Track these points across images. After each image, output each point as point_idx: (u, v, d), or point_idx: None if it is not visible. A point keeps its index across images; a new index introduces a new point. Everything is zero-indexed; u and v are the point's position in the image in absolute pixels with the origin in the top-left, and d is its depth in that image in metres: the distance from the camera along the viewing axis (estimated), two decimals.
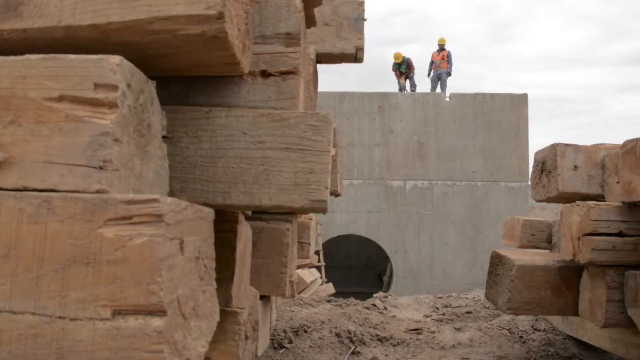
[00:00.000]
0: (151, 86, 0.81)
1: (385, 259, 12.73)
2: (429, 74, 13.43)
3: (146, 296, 0.66)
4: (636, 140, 1.90)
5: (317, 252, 12.54)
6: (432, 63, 13.27)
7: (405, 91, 13.24)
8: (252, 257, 1.66)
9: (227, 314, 1.36)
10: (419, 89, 13.42)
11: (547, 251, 2.57)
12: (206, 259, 0.83)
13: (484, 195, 12.09)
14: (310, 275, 6.02)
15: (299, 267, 6.52)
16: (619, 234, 1.94)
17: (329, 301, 3.14)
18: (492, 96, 12.17)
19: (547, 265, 2.09)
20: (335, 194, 1.69)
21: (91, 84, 0.70)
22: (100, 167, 0.69)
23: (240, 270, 1.19)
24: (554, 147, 2.16)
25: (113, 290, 0.66)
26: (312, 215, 2.41)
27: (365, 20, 1.61)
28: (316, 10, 1.64)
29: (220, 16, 0.74)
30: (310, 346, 2.46)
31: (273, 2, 1.00)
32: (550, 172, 2.18)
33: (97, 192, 0.69)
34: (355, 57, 1.58)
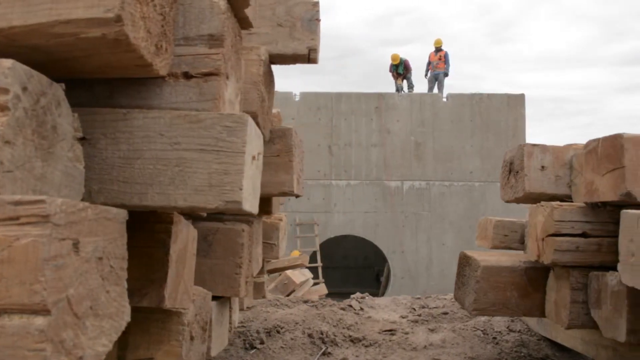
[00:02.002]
0: (57, 88, 0.81)
1: (383, 259, 12.71)
2: (426, 75, 13.41)
3: (30, 296, 0.66)
4: (598, 140, 1.89)
5: (314, 253, 12.55)
6: (429, 63, 13.24)
7: (403, 92, 13.22)
8: (208, 257, 1.66)
9: (171, 315, 1.37)
10: (416, 90, 13.41)
11: (520, 252, 2.56)
12: (113, 260, 0.83)
13: (482, 196, 12.05)
14: (301, 276, 6.02)
15: (290, 267, 6.53)
16: (583, 235, 1.92)
17: (305, 302, 3.13)
18: (490, 96, 12.13)
19: (513, 266, 2.08)
20: (290, 194, 1.69)
21: None
22: None
23: (177, 270, 1.19)
24: (521, 148, 2.15)
25: None
26: (282, 215, 2.42)
27: (319, 20, 1.61)
28: (270, 11, 1.65)
29: (118, 19, 0.75)
30: (282, 347, 2.46)
31: (197, 4, 1.00)
32: (517, 172, 2.17)
33: None
34: (309, 57, 1.58)
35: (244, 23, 1.15)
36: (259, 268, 2.03)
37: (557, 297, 2.02)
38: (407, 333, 2.64)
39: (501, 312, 2.09)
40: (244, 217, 1.87)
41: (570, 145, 2.31)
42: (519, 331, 2.73)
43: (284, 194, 1.67)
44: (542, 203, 1.99)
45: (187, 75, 0.97)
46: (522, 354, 2.46)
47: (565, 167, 2.15)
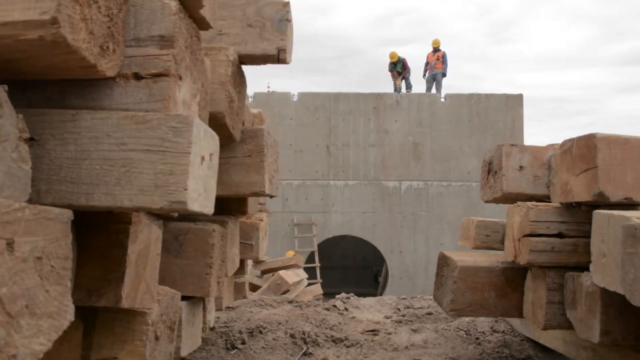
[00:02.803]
0: None
1: (382, 259, 12.70)
2: (424, 75, 13.39)
3: None
4: (573, 140, 1.88)
5: (312, 253, 12.55)
6: (427, 64, 13.22)
7: (401, 91, 13.21)
8: (179, 258, 1.67)
9: (135, 314, 1.37)
10: (414, 90, 13.39)
11: (502, 252, 2.55)
12: (55, 259, 0.84)
13: (479, 196, 12.01)
14: (294, 276, 6.02)
15: (283, 268, 6.53)
16: (559, 235, 1.92)
17: (290, 302, 3.13)
18: (487, 96, 12.11)
19: (490, 266, 2.07)
20: (262, 194, 1.70)
21: None
22: None
23: (137, 270, 1.20)
24: (499, 148, 2.15)
25: None
26: (262, 216, 2.42)
27: (289, 21, 1.61)
28: (241, 12, 1.65)
29: (54, 21, 0.75)
30: (263, 347, 2.46)
31: (148, 5, 1.00)
32: (496, 172, 2.17)
33: None
34: (278, 58, 1.58)
35: (201, 24, 1.15)
36: (236, 268, 2.03)
37: (534, 297, 2.02)
38: (389, 333, 2.64)
39: (479, 312, 2.09)
40: (218, 218, 1.87)
41: (551, 145, 2.30)
42: (503, 332, 2.72)
43: (256, 194, 1.67)
44: (519, 203, 1.99)
45: (138, 76, 0.98)
46: (504, 355, 2.46)
47: (544, 167, 2.14)
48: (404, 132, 12.14)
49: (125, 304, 1.15)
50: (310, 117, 12.37)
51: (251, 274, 6.40)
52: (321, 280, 12.20)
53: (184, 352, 1.61)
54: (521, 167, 2.12)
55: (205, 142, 0.99)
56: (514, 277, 2.09)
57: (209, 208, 1.06)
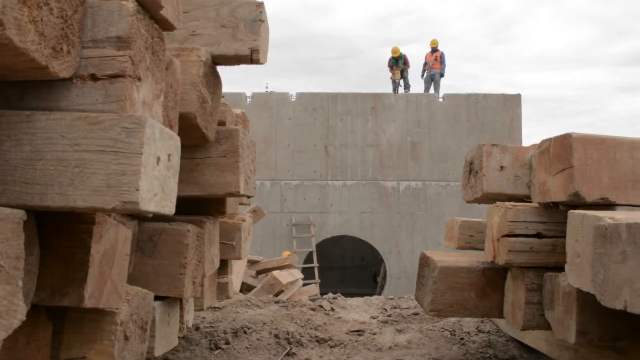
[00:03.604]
0: None
1: (380, 259, 12.69)
2: (422, 75, 13.38)
3: None
4: (550, 140, 1.88)
5: (310, 253, 12.55)
6: (425, 64, 13.22)
7: (400, 87, 13.18)
8: (153, 258, 1.67)
9: (104, 314, 1.38)
10: (412, 90, 13.38)
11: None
12: (5, 259, 0.84)
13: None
14: (289, 276, 6.01)
15: (278, 268, 6.54)
16: (537, 235, 1.92)
17: (277, 302, 3.14)
18: (486, 96, 12.10)
19: (470, 266, 2.07)
20: (237, 195, 1.70)
21: None
22: None
23: (102, 270, 1.20)
24: (480, 148, 2.15)
25: None
26: (245, 216, 2.42)
27: (262, 21, 1.61)
28: (214, 13, 1.65)
29: None
30: (247, 347, 2.46)
31: (106, 6, 1.00)
32: (476, 172, 2.17)
33: None
34: (251, 58, 1.59)
35: (164, 25, 1.15)
36: (215, 268, 2.03)
37: (514, 297, 2.02)
38: (374, 334, 2.64)
39: (459, 313, 2.08)
40: (196, 218, 1.87)
41: (533, 145, 2.30)
42: (488, 332, 2.72)
43: (231, 194, 1.67)
44: (498, 203, 1.98)
45: (94, 77, 0.98)
46: (488, 355, 2.46)
47: (525, 167, 2.14)
48: (402, 132, 12.14)
49: (88, 303, 1.15)
50: (308, 118, 12.38)
51: (246, 274, 6.40)
52: (319, 281, 12.20)
53: (158, 352, 1.61)
54: (502, 167, 2.12)
55: (161, 143, 0.99)
56: (494, 277, 2.09)
57: (168, 208, 1.06)
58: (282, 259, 6.69)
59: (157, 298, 1.66)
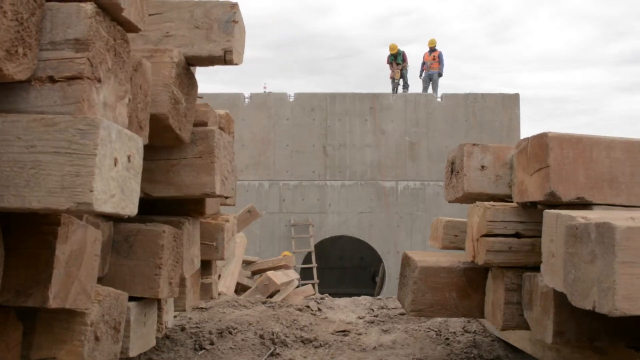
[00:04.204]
0: None
1: (379, 259, 12.68)
2: (420, 75, 13.37)
3: None
4: (527, 139, 1.88)
5: (309, 254, 12.55)
6: (423, 64, 13.20)
7: (399, 85, 13.16)
8: (129, 258, 1.67)
9: (75, 315, 1.38)
10: (410, 90, 13.37)
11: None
12: None
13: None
14: (283, 276, 6.01)
15: (273, 268, 6.54)
16: (516, 235, 1.91)
17: (264, 303, 3.14)
18: (484, 96, 12.08)
19: (451, 266, 2.07)
20: (212, 195, 1.70)
21: None
22: None
23: (68, 271, 1.21)
24: (461, 147, 2.15)
25: None
26: (229, 217, 2.43)
27: (236, 22, 1.61)
28: (189, 14, 1.66)
29: None
30: (231, 348, 2.46)
31: (64, 9, 1.01)
32: (458, 172, 2.17)
33: None
34: (225, 59, 1.59)
35: (128, 26, 1.16)
36: (195, 269, 2.04)
37: (494, 298, 2.01)
38: (360, 334, 2.64)
39: (440, 313, 2.08)
40: (175, 219, 1.88)
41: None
42: (474, 332, 2.71)
43: (206, 195, 1.68)
44: (477, 203, 1.98)
45: (52, 80, 0.98)
46: (472, 355, 2.45)
47: (506, 167, 2.13)
48: (401, 132, 12.13)
49: (53, 304, 1.16)
50: (306, 118, 12.38)
51: (241, 274, 6.41)
52: (318, 281, 12.20)
53: (133, 353, 1.61)
54: (483, 166, 2.12)
55: (119, 144, 1.00)
56: (475, 277, 2.09)
57: (129, 209, 1.07)
58: (278, 259, 6.69)
59: (133, 299, 1.67)
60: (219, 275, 5.69)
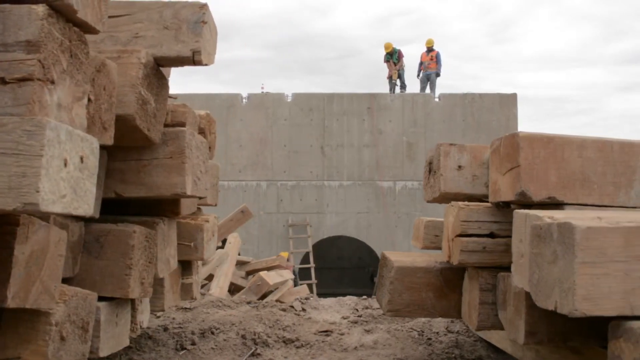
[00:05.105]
0: None
1: (377, 259, 12.66)
2: (418, 75, 13.36)
3: None
4: (500, 139, 1.88)
5: (307, 254, 12.55)
6: (421, 64, 13.19)
7: (396, 85, 13.15)
8: (99, 259, 1.68)
9: (40, 315, 1.39)
10: (408, 90, 13.36)
11: None
12: None
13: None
14: (277, 276, 6.01)
15: (267, 268, 6.54)
16: (491, 235, 1.91)
17: (248, 303, 3.15)
18: (481, 96, 12.06)
19: (428, 266, 2.07)
20: (183, 196, 1.71)
21: None
22: None
23: (28, 271, 1.21)
24: (438, 147, 2.15)
25: None
26: (209, 217, 2.43)
27: (205, 23, 1.62)
28: (158, 15, 1.66)
29: None
30: (212, 348, 2.47)
31: (16, 11, 1.01)
32: (435, 172, 2.17)
33: None
34: (193, 60, 1.59)
35: (86, 28, 1.16)
36: (171, 269, 2.04)
37: (470, 298, 2.01)
38: (342, 334, 2.64)
39: (417, 313, 2.08)
40: (149, 219, 1.88)
41: None
42: (457, 332, 2.71)
43: (177, 195, 1.68)
44: (452, 203, 1.98)
45: (3, 81, 0.99)
46: (454, 355, 2.45)
47: (483, 167, 2.13)
48: (398, 132, 12.13)
49: (11, 303, 1.16)
50: (304, 118, 12.39)
51: (236, 275, 6.41)
52: (316, 281, 12.20)
53: (103, 352, 1.62)
54: (460, 166, 2.12)
55: (70, 145, 1.00)
56: (452, 277, 2.09)
57: (83, 209, 1.07)
58: (272, 259, 6.70)
59: (104, 299, 1.68)
60: (212, 276, 5.71)
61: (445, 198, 2.12)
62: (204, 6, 1.62)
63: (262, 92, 13.30)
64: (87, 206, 1.09)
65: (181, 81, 68.75)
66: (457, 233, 1.91)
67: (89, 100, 1.29)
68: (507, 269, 1.96)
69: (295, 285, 8.39)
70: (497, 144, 1.87)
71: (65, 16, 1.10)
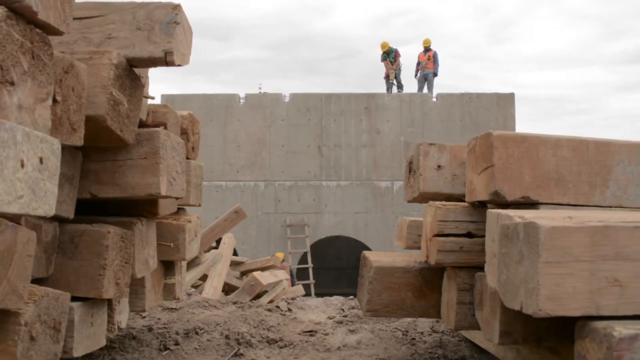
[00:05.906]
0: None
1: None
2: (415, 75, 13.36)
3: None
4: (476, 139, 1.87)
5: (305, 254, 12.57)
6: (418, 64, 13.19)
7: (393, 85, 13.16)
8: (74, 259, 1.68)
9: (9, 315, 1.40)
10: (406, 90, 13.35)
11: None
12: None
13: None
14: (271, 277, 6.01)
15: (262, 269, 6.54)
16: (468, 235, 1.91)
17: (234, 303, 3.15)
18: (479, 96, 12.05)
19: (407, 266, 2.07)
20: (158, 196, 1.71)
21: None
22: None
23: None
24: (418, 147, 2.15)
25: None
26: (191, 217, 2.43)
27: (177, 24, 1.62)
28: (131, 15, 1.67)
29: None
30: (196, 348, 2.47)
31: None
32: (415, 172, 2.17)
33: None
34: (166, 60, 1.60)
35: (49, 29, 1.17)
36: (150, 269, 2.05)
37: (448, 298, 2.01)
38: (327, 334, 2.64)
39: (396, 313, 2.08)
40: (126, 219, 1.89)
41: None
42: (442, 332, 2.71)
43: (151, 195, 1.69)
44: (430, 203, 1.98)
45: None
46: (437, 355, 2.45)
47: (462, 166, 2.13)
48: (396, 132, 12.13)
49: None
50: (302, 118, 12.40)
51: (230, 275, 6.42)
52: (314, 281, 12.21)
53: (77, 352, 1.62)
54: (439, 166, 2.12)
55: (28, 146, 1.01)
56: (431, 277, 2.09)
57: (43, 210, 1.08)
58: (266, 259, 6.70)
59: (79, 299, 1.68)
60: (207, 276, 5.71)
61: (425, 198, 2.12)
62: (176, 7, 1.62)
63: (260, 92, 13.31)
64: (48, 207, 1.10)
65: (181, 82, 68.83)
66: (434, 233, 1.91)
67: (56, 101, 1.29)
68: (484, 269, 1.96)
69: (293, 285, 8.39)
70: (473, 144, 1.87)
71: (26, 18, 1.10)
